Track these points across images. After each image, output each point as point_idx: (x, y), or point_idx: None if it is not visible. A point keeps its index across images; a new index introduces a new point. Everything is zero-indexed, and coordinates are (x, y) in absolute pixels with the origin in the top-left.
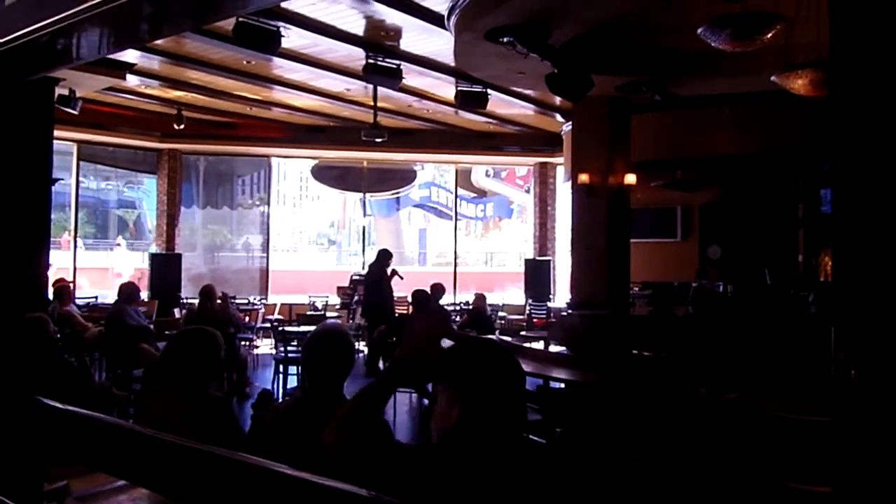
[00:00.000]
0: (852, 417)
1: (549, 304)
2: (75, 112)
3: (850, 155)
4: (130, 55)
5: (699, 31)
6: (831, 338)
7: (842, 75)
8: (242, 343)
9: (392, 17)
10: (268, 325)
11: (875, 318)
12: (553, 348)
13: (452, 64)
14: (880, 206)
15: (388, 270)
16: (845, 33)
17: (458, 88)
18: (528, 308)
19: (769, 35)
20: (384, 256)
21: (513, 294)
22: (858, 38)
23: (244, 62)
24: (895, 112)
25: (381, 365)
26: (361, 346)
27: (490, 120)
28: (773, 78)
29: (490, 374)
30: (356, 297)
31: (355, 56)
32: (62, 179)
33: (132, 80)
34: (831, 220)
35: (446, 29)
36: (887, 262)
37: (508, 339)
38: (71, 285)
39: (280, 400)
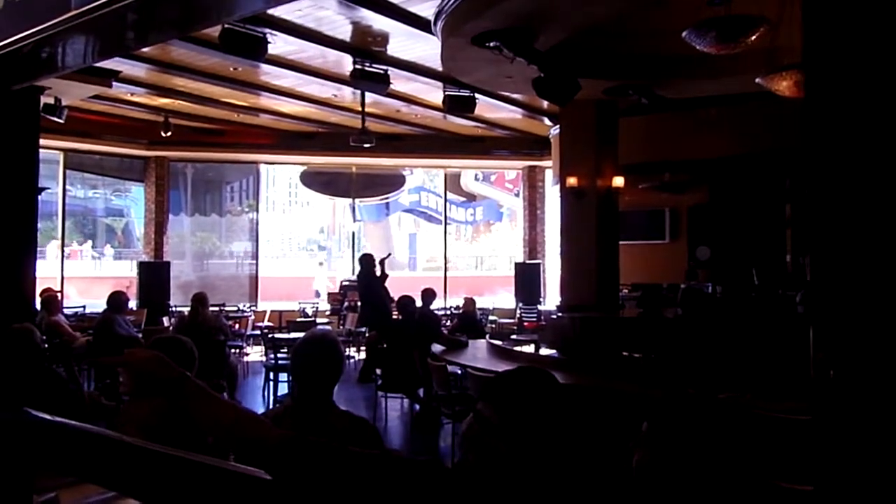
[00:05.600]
0: (832, 417)
1: (540, 307)
2: (61, 121)
3: (826, 159)
4: (116, 63)
5: (684, 34)
6: (810, 339)
7: (815, 82)
8: (232, 351)
9: (379, 22)
10: (257, 332)
11: (853, 319)
12: (544, 351)
13: (440, 69)
14: (855, 209)
15: (377, 271)
16: (818, 38)
17: (446, 93)
18: (518, 311)
19: (753, 37)
20: (366, 261)
21: (503, 297)
22: (831, 42)
23: (231, 69)
24: (869, 118)
25: (377, 371)
26: (352, 351)
27: (478, 124)
28: (758, 80)
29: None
30: (346, 303)
31: (343, 62)
32: (48, 188)
33: (118, 88)
34: (810, 222)
35: (433, 34)
36: (864, 264)
37: (499, 342)
38: (59, 295)
39: (270, 407)
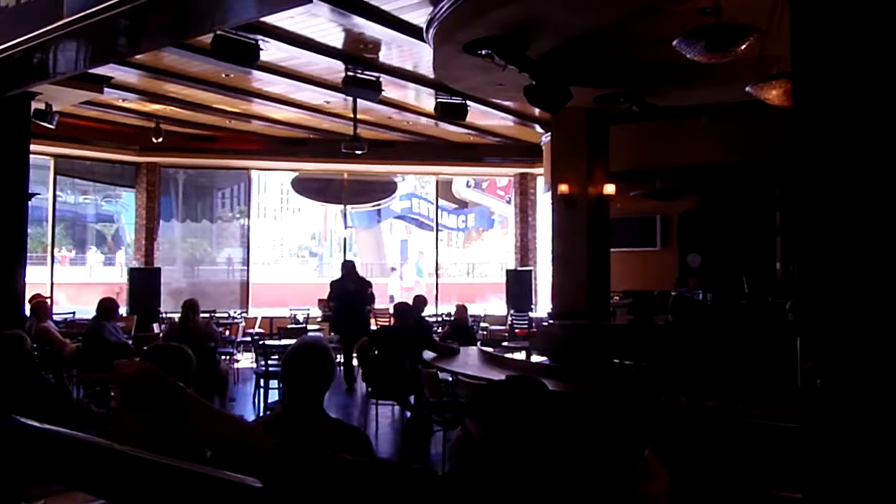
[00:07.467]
0: (819, 425)
1: (531, 314)
2: (52, 126)
3: (814, 168)
4: (108, 69)
5: (675, 42)
6: (797, 348)
7: (804, 91)
8: (223, 358)
9: (371, 29)
10: (248, 339)
11: (840, 329)
12: (535, 358)
13: (432, 76)
14: (844, 218)
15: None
16: (806, 48)
17: (438, 100)
18: (509, 318)
19: (743, 46)
20: (353, 267)
21: (495, 304)
22: (819, 52)
23: (223, 75)
24: (858, 127)
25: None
26: (342, 358)
27: (470, 131)
28: (747, 88)
29: (523, 422)
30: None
31: (335, 69)
32: (38, 194)
33: (110, 94)
34: (799, 231)
35: (425, 41)
36: (852, 273)
37: (490, 349)
38: (48, 301)
39: (261, 414)
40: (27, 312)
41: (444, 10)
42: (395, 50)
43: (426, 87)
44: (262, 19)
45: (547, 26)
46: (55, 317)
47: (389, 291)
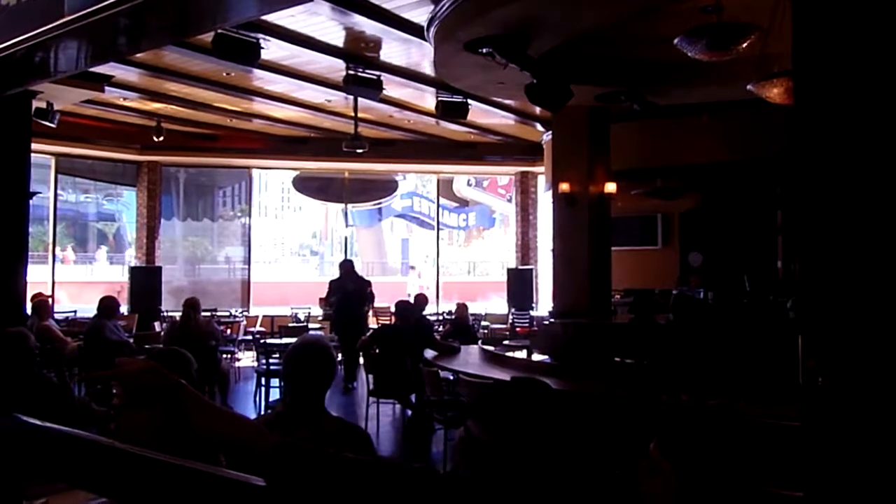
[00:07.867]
0: (821, 423)
1: (532, 313)
2: (53, 125)
3: (815, 166)
4: (109, 68)
5: (676, 41)
6: (799, 346)
7: (804, 89)
8: (224, 356)
9: (372, 28)
10: (249, 337)
11: (841, 327)
12: (536, 357)
13: (432, 74)
14: (844, 216)
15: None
16: (808, 46)
17: (439, 99)
18: (510, 317)
19: (744, 45)
20: (353, 266)
21: (496, 303)
22: (820, 50)
23: (224, 74)
24: (858, 125)
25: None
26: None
27: (471, 130)
28: (749, 87)
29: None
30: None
31: (335, 67)
32: (40, 193)
33: (111, 93)
34: (800, 229)
35: (426, 40)
36: (853, 271)
37: (491, 348)
38: (49, 300)
39: (262, 413)
40: (28, 311)
41: (444, 8)
42: (396, 48)
43: (427, 85)
44: (263, 18)
45: (548, 26)
46: (56, 315)
47: (408, 290)
